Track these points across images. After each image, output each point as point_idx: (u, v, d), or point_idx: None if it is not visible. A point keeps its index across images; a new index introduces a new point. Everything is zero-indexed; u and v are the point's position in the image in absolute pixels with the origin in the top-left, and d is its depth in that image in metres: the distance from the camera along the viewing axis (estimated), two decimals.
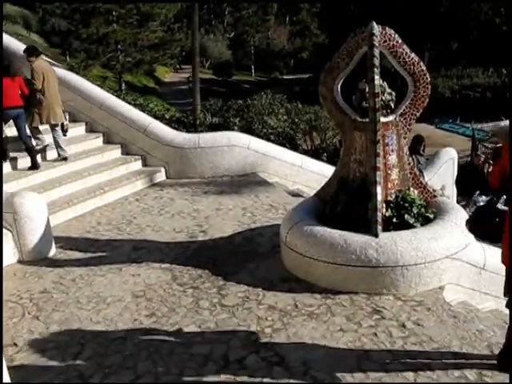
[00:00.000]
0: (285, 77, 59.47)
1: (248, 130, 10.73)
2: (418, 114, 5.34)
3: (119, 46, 30.91)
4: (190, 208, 7.84)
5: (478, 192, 5.86)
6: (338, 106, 5.44)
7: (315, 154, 11.01)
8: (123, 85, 32.82)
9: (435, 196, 5.56)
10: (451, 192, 11.37)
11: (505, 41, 28.32)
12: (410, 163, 5.40)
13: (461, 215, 5.11)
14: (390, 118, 5.20)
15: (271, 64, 63.32)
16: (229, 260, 5.81)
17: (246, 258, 5.81)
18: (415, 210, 5.09)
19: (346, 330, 4.22)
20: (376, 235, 4.70)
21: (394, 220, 5.04)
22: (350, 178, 5.33)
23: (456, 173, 11.47)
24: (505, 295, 3.64)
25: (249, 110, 10.95)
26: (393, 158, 5.20)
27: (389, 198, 5.16)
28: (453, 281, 4.90)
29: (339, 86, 5.48)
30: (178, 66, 52.93)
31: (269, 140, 10.16)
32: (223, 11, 74.69)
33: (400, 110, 5.29)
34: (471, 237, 5.03)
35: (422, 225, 5.04)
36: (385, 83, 5.22)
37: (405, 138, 5.34)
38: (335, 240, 4.79)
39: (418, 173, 5.58)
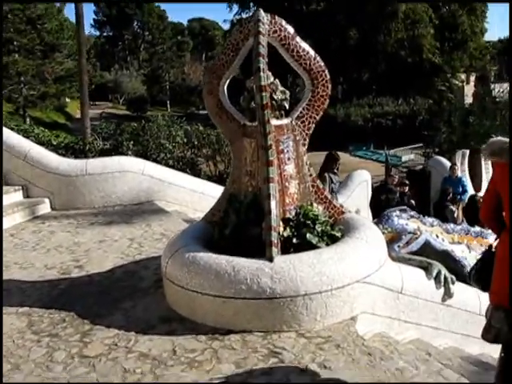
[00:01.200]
0: (201, 112, 59.03)
1: (144, 154, 9.76)
2: (317, 117, 4.60)
3: (22, 78, 29.15)
4: (70, 241, 6.71)
5: (393, 209, 5.26)
6: (224, 110, 4.63)
7: (220, 179, 10.19)
8: (28, 120, 30.95)
9: (343, 212, 4.80)
10: (366, 214, 10.85)
11: (409, 72, 29.18)
12: (311, 175, 4.63)
13: (373, 232, 4.37)
14: (285, 120, 4.43)
15: (187, 99, 62.79)
16: (102, 299, 4.77)
17: (123, 295, 4.79)
18: (319, 228, 4.30)
19: (233, 380, 3.29)
20: (270, 259, 3.84)
21: (294, 240, 4.21)
22: (241, 193, 4.49)
23: (370, 195, 11.01)
24: (486, 339, 3.01)
25: (144, 132, 10.00)
26: (290, 168, 4.41)
27: (287, 215, 4.35)
28: (367, 309, 4.12)
29: (225, 87, 4.67)
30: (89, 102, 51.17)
31: (167, 165, 9.24)
32: (138, 47, 73.90)
33: (297, 112, 4.54)
34: (384, 255, 4.30)
35: (327, 244, 4.25)
36: (277, 81, 4.46)
37: (304, 145, 4.58)
38: (221, 267, 3.89)
39: (328, 193, 4.84)
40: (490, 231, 6.12)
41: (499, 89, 22.54)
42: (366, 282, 4.01)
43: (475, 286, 3.48)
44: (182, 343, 3.82)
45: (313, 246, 4.19)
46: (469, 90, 32.81)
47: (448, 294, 4.60)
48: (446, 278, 4.60)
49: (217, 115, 4.69)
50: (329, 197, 4.74)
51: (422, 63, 30.43)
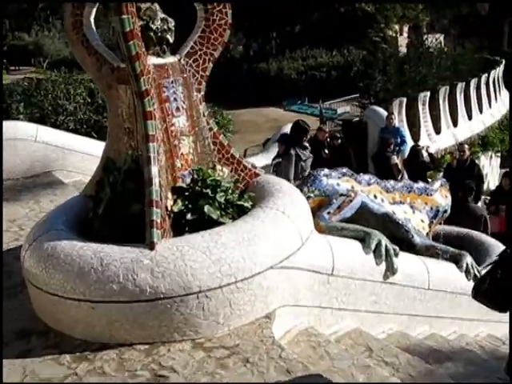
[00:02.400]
0: None
1: (41, 118, 8.38)
2: (215, 54, 3.51)
3: None
4: None
5: (321, 169, 4.32)
6: (91, 50, 3.46)
7: None
8: None
9: (257, 174, 3.79)
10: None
11: (343, 22, 28.21)
12: (211, 129, 3.57)
13: (293, 199, 3.39)
14: (170, 59, 3.33)
15: None
16: None
17: None
18: (221, 198, 3.28)
19: None
20: (151, 246, 2.80)
21: (189, 216, 3.18)
22: (121, 158, 3.40)
23: None
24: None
25: (38, 93, 8.59)
26: (180, 121, 3.33)
27: (179, 183, 3.30)
28: (287, 301, 3.16)
29: (92, 19, 3.50)
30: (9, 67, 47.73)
31: (68, 129, 7.95)
32: (61, 6, 69.64)
33: (186, 47, 3.44)
34: (309, 228, 3.33)
35: (234, 219, 3.24)
36: (156, 5, 3.32)
37: (199, 90, 3.50)
38: (86, 261, 2.82)
39: (236, 151, 3.81)
40: (435, 187, 5.27)
41: (432, 39, 22.10)
42: (284, 267, 3.04)
43: (487, 304, 2.43)
44: (36, 369, 2.79)
45: (214, 223, 3.17)
46: (402, 40, 32.33)
47: (391, 270, 3.70)
48: (387, 251, 3.70)
49: (83, 56, 3.52)
50: (237, 156, 3.70)
51: (355, 13, 29.48)
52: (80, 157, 7.57)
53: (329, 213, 4.02)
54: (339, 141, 10.11)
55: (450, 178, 9.00)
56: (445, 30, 38.48)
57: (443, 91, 14.48)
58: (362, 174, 4.63)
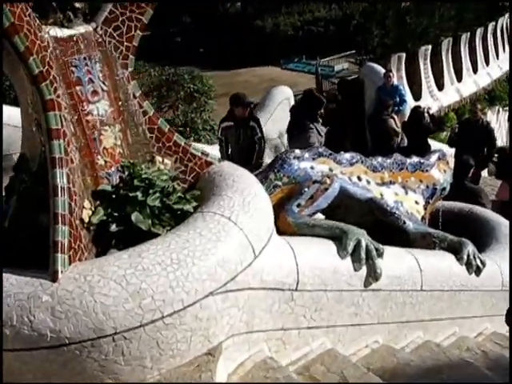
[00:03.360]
0: None
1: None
2: (145, 18, 2.79)
3: None
4: None
5: (291, 150, 3.63)
6: None
7: None
8: None
9: (209, 163, 3.13)
10: None
11: None
12: (146, 112, 2.89)
13: (244, 197, 2.73)
14: (80, 28, 2.62)
15: None
16: None
17: None
18: (154, 202, 2.64)
19: None
20: (54, 277, 2.18)
21: (114, 228, 2.54)
22: (33, 156, 2.74)
23: None
24: None
25: None
26: (100, 108, 2.66)
27: (102, 186, 2.64)
28: (238, 329, 2.56)
29: None
30: None
31: None
32: None
33: (104, 12, 2.72)
34: (266, 234, 2.69)
35: (172, 227, 2.61)
36: None
37: (126, 66, 2.80)
38: None
39: (181, 138, 3.12)
40: (432, 160, 4.58)
41: None
42: (231, 290, 2.41)
43: None
44: None
45: (148, 234, 2.54)
46: None
47: (373, 275, 3.07)
48: (368, 252, 3.06)
49: None
50: (182, 143, 3.03)
51: None
52: None
53: (299, 205, 3.36)
54: (334, 104, 9.33)
55: (458, 141, 8.32)
56: None
57: (446, 44, 13.53)
58: (342, 152, 3.94)
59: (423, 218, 4.31)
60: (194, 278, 2.26)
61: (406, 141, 8.99)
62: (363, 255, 3.03)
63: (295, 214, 3.29)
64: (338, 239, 3.09)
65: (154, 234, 2.54)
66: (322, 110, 8.35)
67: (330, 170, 3.73)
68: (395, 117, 9.19)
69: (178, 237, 2.38)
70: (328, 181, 3.49)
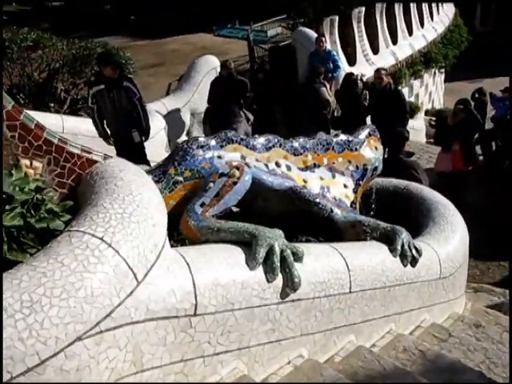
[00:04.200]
0: (54, 3, 51.27)
1: None
2: None
3: None
4: None
5: (194, 139, 3.03)
6: None
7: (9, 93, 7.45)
8: None
9: (92, 162, 2.55)
10: None
11: None
12: (2, 106, 2.26)
13: (125, 208, 2.17)
14: None
15: None
16: None
17: None
18: (12, 221, 2.06)
19: None
20: None
21: None
22: None
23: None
24: None
25: None
26: None
27: None
28: (123, 372, 2.04)
29: None
30: None
31: None
32: None
33: None
34: (154, 253, 2.15)
35: (36, 250, 2.04)
36: None
37: None
38: None
39: (53, 133, 2.56)
40: (361, 137, 4.12)
41: None
42: (107, 330, 1.88)
43: None
44: None
45: (10, 262, 1.97)
46: None
47: (291, 285, 2.58)
48: (283, 259, 2.56)
49: None
50: (55, 140, 2.43)
51: None
52: None
53: (203, 204, 2.82)
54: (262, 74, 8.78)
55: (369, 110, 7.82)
56: None
57: (380, 5, 13.08)
58: (256, 136, 3.41)
59: (353, 202, 3.87)
60: (53, 324, 1.72)
61: (339, 112, 8.54)
62: (277, 263, 2.53)
63: (198, 215, 2.75)
64: (249, 245, 2.58)
65: (14, 263, 1.96)
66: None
67: (243, 157, 3.20)
68: (327, 85, 8.68)
69: (32, 269, 1.81)
70: (237, 173, 2.95)
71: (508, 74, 10.56)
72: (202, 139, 3.11)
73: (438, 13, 17.61)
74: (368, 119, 7.84)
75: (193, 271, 2.29)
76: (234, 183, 2.92)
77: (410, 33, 14.76)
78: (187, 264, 2.31)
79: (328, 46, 10.49)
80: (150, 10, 24.89)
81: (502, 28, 22.99)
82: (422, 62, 14.52)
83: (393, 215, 4.27)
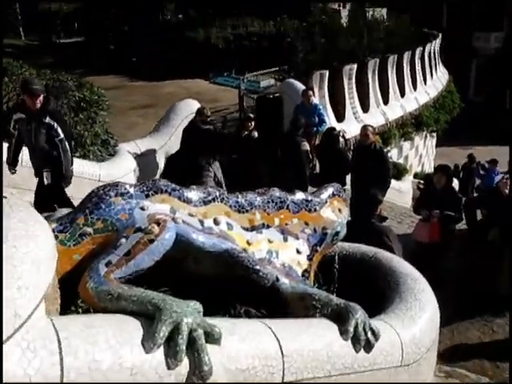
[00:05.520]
0: (63, 40, 51.83)
1: None
2: None
3: None
4: None
5: (114, 185, 2.58)
6: None
7: None
8: None
9: None
10: None
11: None
12: None
13: None
14: None
15: (45, 26, 54.93)
16: None
17: None
18: None
19: None
20: None
21: None
22: None
23: None
24: None
25: None
26: None
27: None
28: None
29: None
30: None
31: None
32: None
33: None
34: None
35: None
36: None
37: None
38: None
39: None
40: (323, 196, 3.67)
41: (374, 13, 20.89)
42: None
43: None
44: None
45: None
46: (345, 13, 30.93)
47: (198, 374, 2.07)
48: (193, 340, 2.05)
49: None
50: None
51: None
52: None
53: (109, 263, 2.33)
54: (252, 124, 8.42)
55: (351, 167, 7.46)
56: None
57: (372, 64, 12.94)
58: (194, 187, 2.95)
59: (306, 271, 3.37)
60: None
61: (318, 168, 8.14)
62: (182, 346, 2.02)
63: (100, 276, 2.26)
64: (154, 321, 2.08)
65: None
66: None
67: (172, 210, 2.73)
68: (305, 141, 8.29)
69: None
70: (156, 229, 2.48)
71: (498, 144, 10.32)
72: (123, 186, 2.65)
73: (432, 77, 17.59)
74: (348, 178, 7.46)
75: (64, 351, 1.78)
76: (151, 241, 2.44)
77: (402, 94, 14.62)
78: (58, 341, 1.80)
79: (316, 100, 10.22)
80: (151, 53, 25.06)
81: (495, 100, 23.13)
82: (412, 125, 14.34)
83: (358, 286, 3.82)
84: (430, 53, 17.59)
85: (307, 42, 12.98)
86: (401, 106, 13.88)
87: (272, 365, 2.41)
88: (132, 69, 24.62)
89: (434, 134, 16.81)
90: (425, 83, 16.61)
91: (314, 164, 8.14)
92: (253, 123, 8.42)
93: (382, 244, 4.78)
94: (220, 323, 2.34)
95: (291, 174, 7.76)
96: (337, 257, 4.08)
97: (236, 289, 3.02)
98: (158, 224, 2.51)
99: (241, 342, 2.34)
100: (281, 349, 2.48)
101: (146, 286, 2.56)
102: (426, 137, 16.18)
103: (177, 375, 2.05)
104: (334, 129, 8.14)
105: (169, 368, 2.02)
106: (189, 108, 8.88)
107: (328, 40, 13.34)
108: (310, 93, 9.66)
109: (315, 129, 9.47)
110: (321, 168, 7.93)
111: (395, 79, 14.27)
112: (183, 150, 7.52)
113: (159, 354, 2.01)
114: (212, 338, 2.16)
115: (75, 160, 6.13)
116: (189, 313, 2.10)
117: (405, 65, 14.87)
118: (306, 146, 8.05)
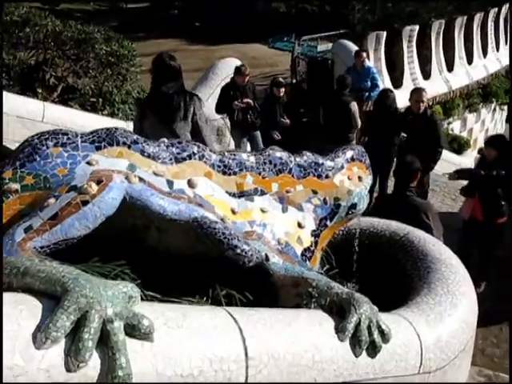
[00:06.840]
0: (130, 5, 52.15)
1: None
2: None
3: None
4: None
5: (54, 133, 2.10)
6: None
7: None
8: None
9: None
10: None
11: None
12: None
13: None
14: None
15: None
16: None
17: None
18: None
19: None
20: None
21: None
22: None
23: None
24: None
25: None
26: None
27: None
28: None
29: None
30: None
31: None
32: None
33: None
34: None
35: None
36: None
37: None
38: None
39: None
40: (338, 161, 3.05)
41: None
42: None
43: None
44: None
45: None
46: None
47: (110, 379, 1.55)
48: (106, 334, 1.55)
49: None
50: None
51: None
52: None
53: (29, 228, 1.85)
54: (282, 90, 7.83)
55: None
56: None
57: (437, 26, 11.85)
58: (164, 140, 2.41)
59: (309, 250, 2.79)
60: None
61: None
62: (88, 342, 1.52)
63: (14, 244, 1.78)
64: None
65: None
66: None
67: (132, 167, 2.21)
68: (354, 102, 7.53)
69: None
70: (93, 188, 1.96)
71: None
72: (66, 133, 2.14)
73: (506, 43, 16.14)
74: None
75: None
76: (84, 203, 1.93)
77: (470, 61, 13.44)
78: None
79: (371, 62, 9.43)
80: (213, 17, 24.91)
81: None
82: (479, 95, 13.18)
83: (382, 272, 3.27)
84: (506, 15, 16.05)
85: (367, 3, 12.01)
86: (467, 73, 12.76)
87: (230, 369, 1.88)
88: (193, 33, 24.64)
89: (505, 107, 15.48)
90: (497, 50, 15.26)
91: (364, 138, 7.38)
92: (283, 89, 7.85)
93: (419, 222, 4.11)
94: (166, 312, 1.83)
95: (333, 139, 7.09)
96: (357, 234, 3.49)
97: (217, 267, 2.50)
98: (100, 182, 1.99)
99: (187, 337, 1.81)
100: (245, 348, 1.94)
101: (101, 262, 2.11)
102: (494, 109, 14.93)
103: (80, 380, 1.55)
104: (389, 90, 7.39)
105: (68, 370, 1.52)
106: (230, 67, 8.33)
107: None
108: (364, 54, 8.90)
109: (367, 94, 8.73)
110: (369, 138, 7.16)
111: (462, 44, 13.09)
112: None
113: (55, 350, 1.52)
114: (138, 332, 1.64)
115: (96, 117, 5.76)
116: (106, 298, 1.59)
117: (475, 28, 13.63)
118: (355, 107, 7.34)
